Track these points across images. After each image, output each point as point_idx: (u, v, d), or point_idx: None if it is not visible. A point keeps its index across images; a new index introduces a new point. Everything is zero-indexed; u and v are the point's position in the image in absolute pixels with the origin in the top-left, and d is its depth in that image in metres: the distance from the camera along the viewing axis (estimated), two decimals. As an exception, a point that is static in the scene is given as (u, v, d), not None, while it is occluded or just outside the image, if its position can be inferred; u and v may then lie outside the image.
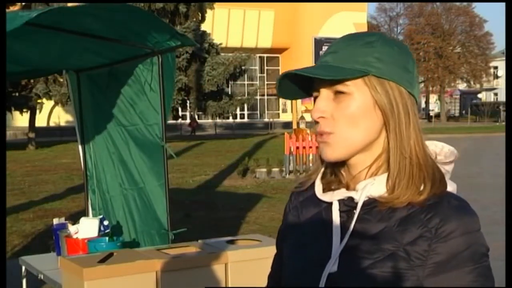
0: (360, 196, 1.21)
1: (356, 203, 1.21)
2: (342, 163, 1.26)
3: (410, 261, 1.14)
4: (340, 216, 1.23)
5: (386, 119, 1.19)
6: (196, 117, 40.55)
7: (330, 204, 1.26)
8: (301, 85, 1.25)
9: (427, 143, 1.25)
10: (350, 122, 1.18)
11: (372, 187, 1.20)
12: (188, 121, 40.05)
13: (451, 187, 1.23)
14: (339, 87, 1.19)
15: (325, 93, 1.21)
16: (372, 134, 1.20)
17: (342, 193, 1.24)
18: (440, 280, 1.13)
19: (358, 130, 1.19)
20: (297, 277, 1.26)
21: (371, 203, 1.20)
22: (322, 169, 1.30)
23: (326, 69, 1.19)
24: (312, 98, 1.26)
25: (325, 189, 1.28)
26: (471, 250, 1.14)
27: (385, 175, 1.20)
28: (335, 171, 1.28)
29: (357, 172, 1.24)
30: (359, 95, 1.18)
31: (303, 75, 1.18)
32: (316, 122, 1.22)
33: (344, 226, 1.22)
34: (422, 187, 1.17)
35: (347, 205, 1.23)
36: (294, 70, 1.19)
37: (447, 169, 1.25)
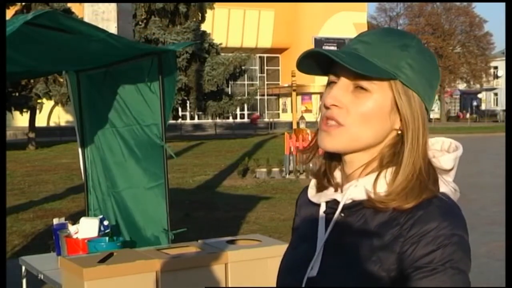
0: (341, 199, 1.19)
1: (340, 205, 1.19)
2: (338, 161, 1.24)
3: (382, 266, 1.11)
4: (326, 219, 1.22)
5: (405, 128, 1.15)
6: (197, 117, 40.49)
7: (319, 205, 1.25)
8: (320, 63, 1.20)
9: (434, 140, 1.21)
10: (363, 119, 1.15)
11: (355, 189, 1.17)
12: (188, 120, 39.99)
13: (446, 188, 1.18)
14: (363, 83, 1.15)
15: (345, 82, 1.16)
16: (379, 137, 1.17)
17: (328, 195, 1.23)
18: (410, 283, 1.08)
19: (368, 129, 1.16)
20: (284, 278, 1.27)
21: (355, 206, 1.17)
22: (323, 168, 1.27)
23: (357, 59, 1.14)
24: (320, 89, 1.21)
25: (319, 189, 1.26)
26: (442, 252, 1.07)
27: (371, 176, 1.17)
28: (330, 169, 1.26)
29: (351, 171, 1.21)
30: (380, 96, 1.15)
31: (327, 56, 1.13)
32: (326, 108, 1.17)
33: (327, 229, 1.20)
34: (413, 195, 1.13)
35: (332, 207, 1.21)
36: (324, 50, 1.14)
37: (448, 165, 1.19)
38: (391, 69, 1.14)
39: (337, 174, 1.25)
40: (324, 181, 1.26)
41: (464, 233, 1.12)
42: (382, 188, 1.15)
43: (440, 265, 1.06)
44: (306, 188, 1.32)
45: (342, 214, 1.18)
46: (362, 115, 1.15)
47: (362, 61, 1.14)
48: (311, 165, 1.30)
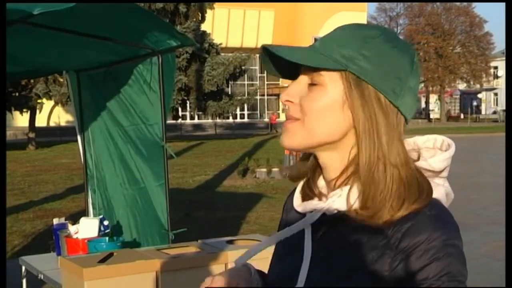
0: (326, 210, 1.12)
1: (325, 216, 1.13)
2: (321, 169, 1.18)
3: (373, 282, 1.03)
4: (312, 230, 1.15)
5: (356, 123, 1.07)
6: (197, 117, 40.44)
7: (304, 215, 1.19)
8: (289, 65, 1.15)
9: (425, 137, 1.15)
10: (316, 114, 1.09)
11: (338, 199, 1.10)
12: (188, 120, 39.94)
13: (438, 191, 1.09)
14: (314, 77, 1.10)
15: (302, 79, 1.13)
16: (334, 132, 1.10)
17: (312, 205, 1.16)
18: None
19: (321, 124, 1.10)
20: None
21: (340, 216, 1.10)
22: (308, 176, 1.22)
23: (305, 52, 1.10)
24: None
25: (304, 198, 1.20)
26: (436, 266, 1.00)
27: (349, 187, 1.09)
28: (313, 178, 1.20)
29: (330, 178, 1.14)
30: (332, 89, 1.09)
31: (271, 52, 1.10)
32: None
33: (313, 241, 1.15)
34: (401, 204, 1.03)
35: (317, 218, 1.15)
36: (269, 46, 1.10)
37: (438, 167, 1.11)
38: (342, 60, 1.08)
39: (321, 183, 1.18)
40: (308, 191, 1.19)
41: (458, 241, 1.04)
42: (357, 200, 1.07)
43: (436, 280, 1.00)
44: (293, 191, 1.25)
45: (328, 226, 1.12)
46: (314, 109, 1.10)
47: (311, 53, 1.10)
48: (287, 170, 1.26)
